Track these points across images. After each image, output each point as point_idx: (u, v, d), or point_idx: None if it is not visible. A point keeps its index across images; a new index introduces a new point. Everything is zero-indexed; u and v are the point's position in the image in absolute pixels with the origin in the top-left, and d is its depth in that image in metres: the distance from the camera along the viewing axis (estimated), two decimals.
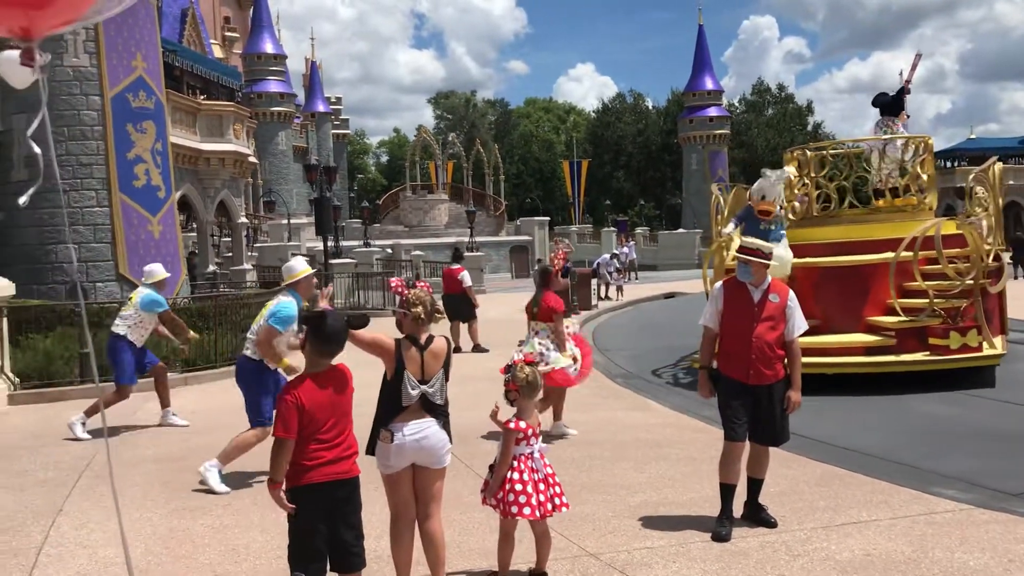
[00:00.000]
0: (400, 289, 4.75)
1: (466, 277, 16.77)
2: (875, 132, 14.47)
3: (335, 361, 4.31)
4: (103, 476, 7.66)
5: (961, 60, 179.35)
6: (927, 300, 11.37)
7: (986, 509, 6.12)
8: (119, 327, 9.57)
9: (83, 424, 9.28)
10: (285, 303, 7.02)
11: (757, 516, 5.97)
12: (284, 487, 4.11)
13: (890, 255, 11.67)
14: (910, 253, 11.42)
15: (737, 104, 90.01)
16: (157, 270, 9.88)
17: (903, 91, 14.38)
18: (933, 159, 14.06)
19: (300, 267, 7.29)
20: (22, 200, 3.90)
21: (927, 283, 11.38)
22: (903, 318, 11.45)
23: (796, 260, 11.90)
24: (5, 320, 11.89)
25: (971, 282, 11.42)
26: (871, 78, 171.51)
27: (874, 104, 14.49)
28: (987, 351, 11.38)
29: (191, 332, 10.06)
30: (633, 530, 5.88)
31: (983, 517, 5.95)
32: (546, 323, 8.77)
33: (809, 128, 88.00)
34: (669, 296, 29.82)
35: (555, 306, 8.75)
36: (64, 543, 5.92)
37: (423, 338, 4.63)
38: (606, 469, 7.53)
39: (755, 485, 6.06)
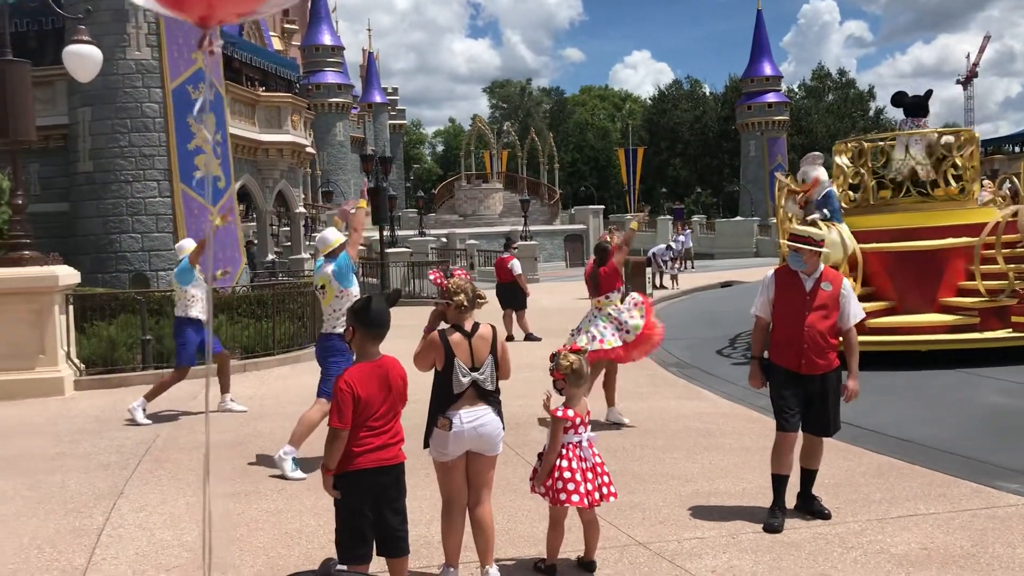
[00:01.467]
0: (439, 280, 4.76)
1: (516, 265, 16.73)
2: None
3: (384, 351, 4.35)
4: (162, 460, 7.86)
5: None
6: (1003, 282, 12.17)
7: None
8: (178, 309, 9.79)
9: (143, 409, 9.51)
10: (339, 261, 7.23)
11: (810, 507, 5.88)
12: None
13: (958, 240, 12.52)
14: (993, 237, 12.33)
15: (796, 90, 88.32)
16: (186, 244, 10.15)
17: (928, 93, 14.54)
18: (978, 151, 14.52)
19: (333, 237, 7.51)
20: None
21: (1008, 266, 12.18)
22: (985, 298, 12.18)
23: (865, 245, 12.56)
24: (71, 307, 12.23)
25: None
26: (936, 62, 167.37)
27: (895, 104, 14.59)
28: None
29: None
30: (683, 520, 5.84)
31: None
32: (610, 291, 8.80)
33: (871, 114, 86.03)
34: (726, 285, 29.47)
35: (613, 273, 8.86)
36: (124, 525, 6.08)
37: (468, 325, 4.65)
38: (658, 458, 7.48)
39: (808, 476, 5.97)
